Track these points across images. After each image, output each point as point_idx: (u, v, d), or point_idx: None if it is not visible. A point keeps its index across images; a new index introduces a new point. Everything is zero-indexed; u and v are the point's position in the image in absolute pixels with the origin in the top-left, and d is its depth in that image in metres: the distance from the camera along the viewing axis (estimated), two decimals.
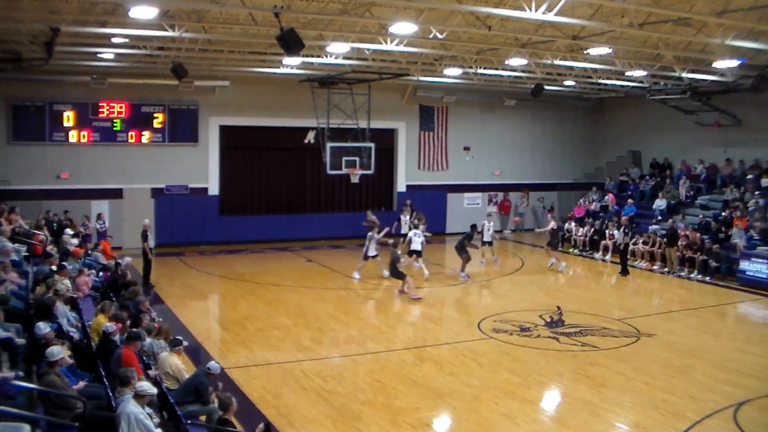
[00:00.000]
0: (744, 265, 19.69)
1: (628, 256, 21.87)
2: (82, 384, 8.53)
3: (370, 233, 19.55)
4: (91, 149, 23.03)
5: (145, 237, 18.47)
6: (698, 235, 21.48)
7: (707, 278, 20.14)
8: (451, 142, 28.70)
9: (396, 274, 17.50)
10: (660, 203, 25.11)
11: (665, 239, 21.77)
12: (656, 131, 28.32)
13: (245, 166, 26.10)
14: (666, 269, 21.40)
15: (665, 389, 11.16)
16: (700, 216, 22.90)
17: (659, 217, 24.45)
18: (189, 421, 8.12)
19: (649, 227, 23.58)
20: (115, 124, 23.26)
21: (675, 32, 15.68)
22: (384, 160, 27.10)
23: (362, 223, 22.41)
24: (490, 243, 21.60)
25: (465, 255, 19.62)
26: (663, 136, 28.01)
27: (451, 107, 28.32)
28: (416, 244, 19.13)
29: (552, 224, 21.26)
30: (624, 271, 20.87)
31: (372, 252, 19.28)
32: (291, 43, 13.11)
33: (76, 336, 10.79)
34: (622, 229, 21.26)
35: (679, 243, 21.32)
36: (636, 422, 9.95)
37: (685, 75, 20.70)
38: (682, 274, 20.92)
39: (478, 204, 29.19)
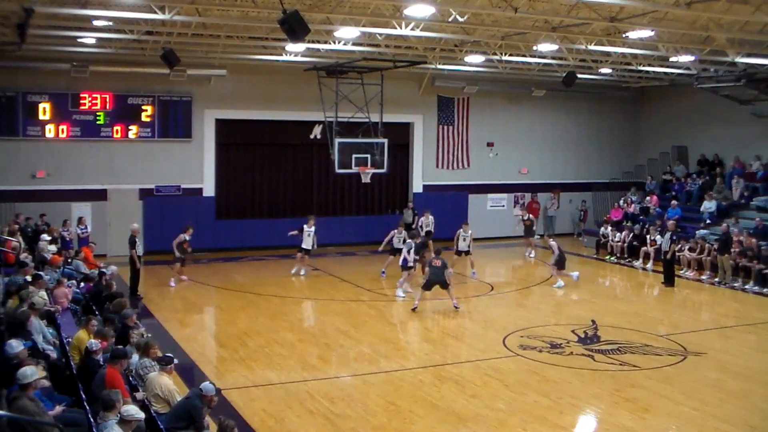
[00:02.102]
0: None
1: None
2: (59, 409, 8.49)
3: (409, 240, 19.46)
4: (70, 145, 23.12)
5: (132, 243, 18.49)
6: (754, 240, 21.24)
7: (765, 290, 19.90)
8: (473, 138, 28.62)
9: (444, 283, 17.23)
10: (709, 205, 24.88)
11: (716, 245, 21.56)
12: (705, 124, 28.08)
13: (244, 165, 26.13)
14: (717, 279, 21.19)
15: (718, 416, 10.99)
16: (757, 219, 22.65)
17: (708, 221, 24.25)
18: None
19: (697, 232, 23.37)
20: (98, 118, 23.32)
21: (729, 11, 15.50)
22: (398, 158, 27.09)
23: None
24: (467, 252, 21.63)
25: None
26: (713, 129, 27.77)
27: (472, 98, 28.23)
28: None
29: (552, 244, 20.95)
30: (669, 282, 20.68)
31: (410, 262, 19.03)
32: (295, 27, 13.09)
33: (53, 355, 10.78)
34: (668, 235, 21.07)
35: (733, 250, 21.10)
36: None
37: (739, 60, 20.44)
38: (736, 284, 20.69)
39: (503, 206, 29.09)
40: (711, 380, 12.63)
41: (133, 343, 10.85)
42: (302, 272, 21.47)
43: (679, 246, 22.35)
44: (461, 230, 21.80)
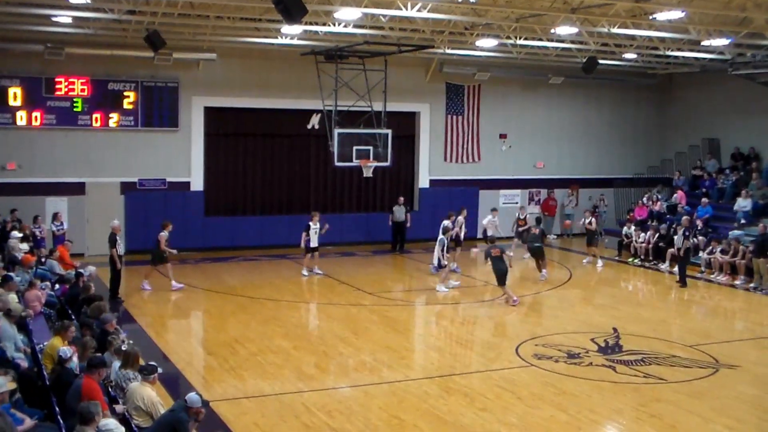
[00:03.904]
0: None
1: (704, 269, 22.15)
2: (30, 423, 8.47)
3: (442, 237, 20.14)
4: (45, 134, 23.13)
5: (113, 242, 18.50)
6: None
7: None
8: (484, 129, 28.62)
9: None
10: (744, 203, 24.80)
11: (752, 248, 21.52)
12: (740, 114, 28.05)
13: (235, 157, 26.15)
14: (753, 284, 21.15)
15: None
16: None
17: (743, 221, 24.18)
18: None
19: (730, 233, 23.34)
20: (75, 104, 23.33)
21: None
22: (403, 150, 27.08)
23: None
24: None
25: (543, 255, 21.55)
26: (749, 120, 27.75)
27: (484, 86, 28.22)
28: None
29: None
30: (682, 282, 20.95)
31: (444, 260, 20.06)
32: (291, 7, 13.09)
33: (24, 364, 10.77)
34: (681, 231, 21.29)
35: None
36: None
37: None
38: None
39: (517, 203, 29.05)
40: (747, 396, 12.57)
41: (112, 351, 10.84)
42: (319, 271, 21.76)
43: (710, 247, 22.39)
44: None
